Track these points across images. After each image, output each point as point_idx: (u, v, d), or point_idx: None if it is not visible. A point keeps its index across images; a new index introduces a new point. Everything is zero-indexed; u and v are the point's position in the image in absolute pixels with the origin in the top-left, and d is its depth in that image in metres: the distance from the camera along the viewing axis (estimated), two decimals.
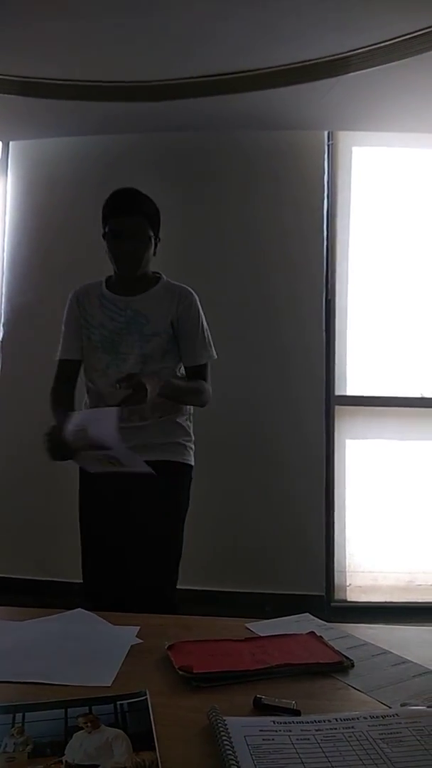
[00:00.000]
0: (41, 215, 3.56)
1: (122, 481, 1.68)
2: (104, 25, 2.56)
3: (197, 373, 1.85)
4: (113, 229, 1.77)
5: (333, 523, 3.30)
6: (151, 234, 1.79)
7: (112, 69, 2.93)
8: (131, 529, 1.77)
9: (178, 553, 1.82)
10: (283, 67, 2.86)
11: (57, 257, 3.55)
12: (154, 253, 1.84)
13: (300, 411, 3.26)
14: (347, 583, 3.30)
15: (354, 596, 3.29)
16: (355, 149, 3.46)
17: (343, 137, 3.45)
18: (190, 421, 1.90)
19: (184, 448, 1.85)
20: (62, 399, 1.86)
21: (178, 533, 1.81)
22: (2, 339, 3.58)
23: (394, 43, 2.64)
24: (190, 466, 1.86)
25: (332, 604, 3.24)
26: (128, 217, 1.74)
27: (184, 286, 1.87)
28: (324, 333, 3.36)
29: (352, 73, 2.82)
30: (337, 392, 3.36)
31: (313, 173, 3.43)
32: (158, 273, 1.90)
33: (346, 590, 3.30)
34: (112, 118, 3.29)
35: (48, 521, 3.40)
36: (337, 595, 3.27)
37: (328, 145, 3.43)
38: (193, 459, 1.88)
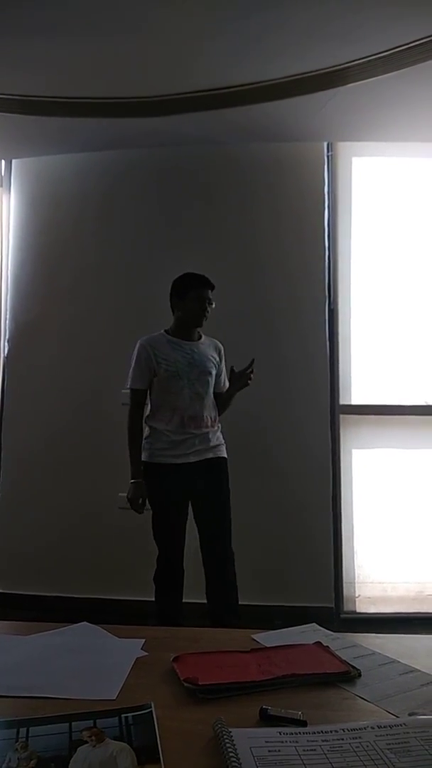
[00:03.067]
0: (45, 233, 3.60)
1: (188, 480, 2.48)
2: (103, 42, 2.59)
3: (219, 395, 2.62)
4: (203, 296, 2.52)
5: (340, 533, 3.28)
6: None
7: (112, 85, 2.97)
8: (207, 511, 2.53)
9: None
10: (281, 80, 2.88)
11: (61, 275, 3.58)
12: None
13: (305, 421, 3.26)
14: (356, 595, 3.27)
15: (363, 607, 3.26)
16: (354, 159, 3.49)
17: (343, 148, 3.48)
18: None
19: (225, 447, 2.60)
20: (138, 427, 2.54)
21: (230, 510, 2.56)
22: (7, 356, 3.60)
23: (391, 53, 2.67)
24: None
25: (342, 615, 3.21)
26: (211, 291, 2.54)
27: (216, 340, 2.67)
28: (328, 342, 3.37)
29: (350, 84, 2.85)
30: (342, 401, 3.35)
31: (313, 184, 3.46)
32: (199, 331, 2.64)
33: (355, 601, 3.27)
34: (113, 134, 3.33)
35: (52, 536, 3.40)
36: (347, 607, 3.24)
37: (328, 156, 3.46)
38: None
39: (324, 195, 3.44)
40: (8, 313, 3.61)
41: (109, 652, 1.08)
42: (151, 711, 0.82)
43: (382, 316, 3.40)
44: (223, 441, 2.59)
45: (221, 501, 2.54)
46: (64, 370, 3.51)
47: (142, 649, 1.08)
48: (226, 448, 2.60)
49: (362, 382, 3.39)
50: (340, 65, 2.77)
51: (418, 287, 3.40)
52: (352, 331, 3.40)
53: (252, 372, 2.53)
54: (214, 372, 2.56)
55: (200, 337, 2.63)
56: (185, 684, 0.91)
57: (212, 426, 2.54)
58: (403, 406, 3.32)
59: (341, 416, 3.34)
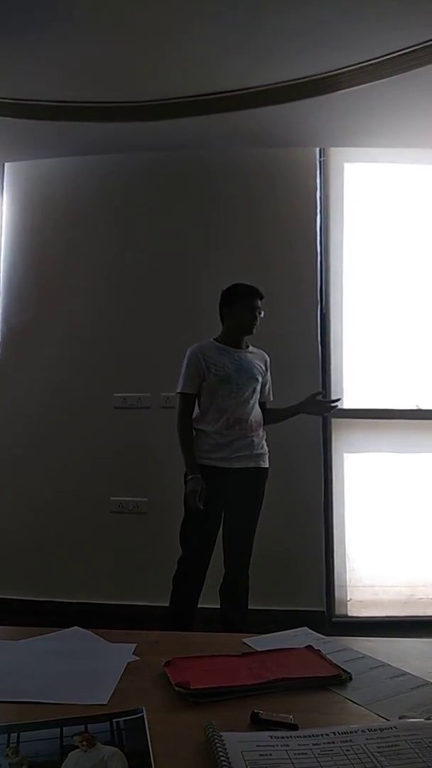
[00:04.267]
0: (37, 235, 3.60)
1: (228, 486, 2.55)
2: (97, 46, 2.60)
3: (263, 405, 2.71)
4: (253, 305, 2.61)
5: (332, 537, 3.28)
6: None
7: (106, 89, 2.97)
8: (243, 514, 2.61)
9: None
10: (274, 86, 2.90)
11: (53, 278, 3.58)
12: None
13: (297, 425, 3.25)
14: (348, 598, 3.28)
15: (355, 611, 3.26)
16: (346, 165, 3.51)
17: (335, 153, 3.50)
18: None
19: (268, 456, 2.68)
20: (189, 428, 2.61)
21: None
22: None
23: (383, 60, 2.69)
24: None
25: (333, 619, 3.21)
26: (260, 300, 2.63)
27: (264, 352, 2.76)
28: (320, 347, 3.38)
29: (342, 91, 2.87)
30: None
31: (305, 189, 3.48)
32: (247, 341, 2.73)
33: (346, 605, 3.27)
34: (106, 138, 3.33)
35: (43, 541, 3.38)
36: (338, 611, 3.25)
37: (320, 162, 3.48)
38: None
39: (316, 200, 3.46)
40: (0, 315, 3.60)
41: (101, 656, 1.08)
42: (142, 715, 0.82)
43: (374, 321, 3.42)
44: (267, 450, 2.66)
45: (254, 513, 2.63)
46: (57, 373, 3.50)
47: (133, 653, 1.07)
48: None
49: (354, 386, 3.40)
50: (332, 71, 2.79)
51: (410, 292, 3.42)
52: (344, 336, 3.42)
53: (333, 407, 2.68)
54: (260, 379, 2.65)
55: (248, 346, 2.72)
56: (176, 688, 0.91)
57: (256, 431, 2.62)
58: (395, 410, 3.33)
59: (333, 420, 3.35)
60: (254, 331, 2.65)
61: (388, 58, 2.68)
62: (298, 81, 2.88)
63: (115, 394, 3.41)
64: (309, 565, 3.25)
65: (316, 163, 3.48)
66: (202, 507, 2.47)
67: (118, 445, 3.34)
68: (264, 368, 2.71)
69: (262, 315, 2.65)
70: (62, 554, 3.36)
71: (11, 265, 3.62)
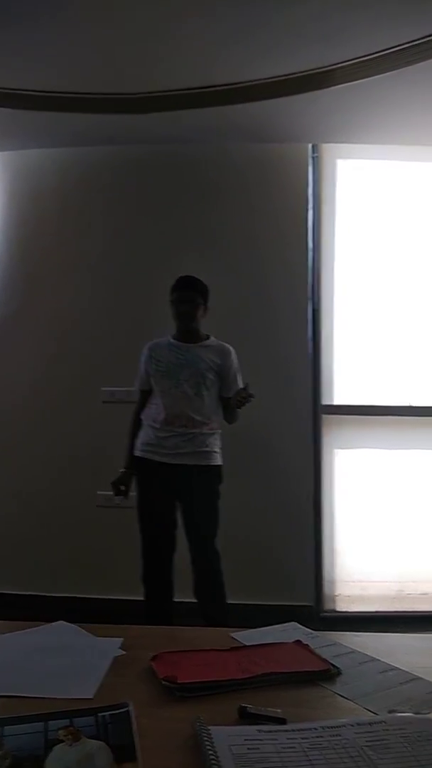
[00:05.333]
0: (25, 227, 3.56)
1: (172, 485, 2.55)
2: (89, 36, 2.57)
3: (229, 401, 2.60)
4: (178, 298, 2.62)
5: (322, 532, 3.29)
6: (200, 302, 2.62)
7: (98, 81, 2.94)
8: (189, 514, 2.58)
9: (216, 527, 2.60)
10: (267, 80, 2.88)
11: (41, 269, 3.55)
12: (203, 315, 2.67)
13: (288, 421, 3.26)
14: (336, 593, 3.29)
15: (343, 606, 3.27)
16: (339, 162, 3.50)
17: (328, 150, 3.49)
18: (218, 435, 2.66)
19: (217, 455, 2.62)
20: (134, 422, 2.69)
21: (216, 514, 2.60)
22: None
23: (377, 56, 2.68)
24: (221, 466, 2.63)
25: (322, 614, 3.22)
26: (186, 292, 2.61)
27: (225, 344, 2.69)
28: (311, 343, 3.38)
29: (336, 86, 2.86)
30: (325, 401, 3.37)
31: (298, 185, 3.47)
32: (208, 334, 2.71)
33: (335, 600, 3.28)
34: (98, 129, 3.30)
35: (29, 534, 3.36)
36: (327, 605, 3.26)
37: (313, 158, 3.47)
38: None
39: (308, 196, 3.45)
40: None
41: (87, 651, 1.07)
42: (128, 710, 0.81)
43: (366, 316, 3.42)
44: (214, 447, 2.59)
45: (200, 511, 2.57)
46: (44, 367, 3.47)
47: (120, 648, 1.06)
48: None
49: (345, 382, 3.40)
50: (326, 67, 2.77)
51: (402, 288, 3.43)
52: (336, 332, 3.42)
53: (246, 398, 2.43)
54: (210, 375, 2.59)
55: (206, 338, 2.69)
56: (164, 682, 0.91)
57: (199, 428, 2.54)
58: (386, 406, 3.34)
59: (324, 416, 3.35)
60: (189, 321, 2.61)
61: (383, 55, 2.67)
62: (292, 76, 2.86)
63: (103, 388, 3.39)
64: (298, 560, 3.26)
65: (308, 159, 3.47)
66: (125, 498, 2.62)
67: (105, 439, 3.31)
68: (219, 361, 2.62)
69: (199, 305, 2.60)
70: (48, 548, 3.34)
71: None
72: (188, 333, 2.66)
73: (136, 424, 2.67)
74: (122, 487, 2.63)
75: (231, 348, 2.70)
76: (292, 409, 3.31)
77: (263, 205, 3.47)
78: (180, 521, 2.61)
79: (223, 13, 2.42)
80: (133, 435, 2.66)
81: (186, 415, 2.53)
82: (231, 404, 2.57)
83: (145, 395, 2.69)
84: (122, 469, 2.65)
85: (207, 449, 2.57)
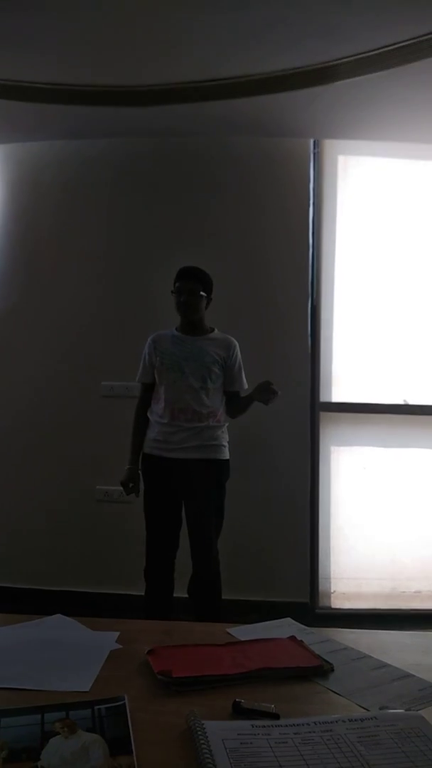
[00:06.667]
0: (25, 219, 3.55)
1: (175, 476, 2.51)
2: (90, 29, 2.55)
3: (234, 395, 2.64)
4: (179, 288, 2.57)
5: (318, 529, 3.30)
6: (202, 292, 2.57)
7: (98, 73, 2.93)
8: (194, 511, 2.55)
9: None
10: (269, 75, 2.87)
11: (40, 263, 3.54)
12: (207, 307, 2.64)
13: (285, 417, 3.27)
14: (332, 590, 3.31)
15: (338, 603, 3.29)
16: (340, 158, 3.49)
17: (329, 145, 3.48)
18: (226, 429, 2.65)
19: (225, 448, 2.60)
20: (138, 417, 2.66)
21: (221, 512, 2.60)
22: None
23: (379, 53, 2.67)
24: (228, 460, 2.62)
25: (317, 610, 3.24)
26: (187, 282, 2.56)
27: (230, 336, 2.67)
28: (309, 340, 3.38)
29: (338, 82, 2.84)
30: (322, 399, 3.37)
31: (299, 180, 3.46)
32: (213, 327, 2.69)
33: (330, 597, 3.30)
34: (97, 122, 3.29)
35: (28, 529, 3.37)
36: (322, 602, 3.28)
37: (314, 153, 3.46)
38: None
39: (309, 192, 3.45)
40: None
41: (83, 644, 1.08)
42: (124, 703, 0.83)
43: (365, 314, 3.42)
44: (221, 441, 2.57)
45: (206, 506, 2.54)
46: (44, 361, 3.47)
47: (116, 641, 1.08)
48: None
49: (343, 380, 3.41)
50: (329, 62, 2.76)
51: (401, 286, 3.43)
52: (335, 329, 3.42)
53: (274, 395, 2.46)
54: (215, 368, 2.55)
55: (211, 331, 2.66)
56: (159, 676, 0.92)
57: (205, 421, 2.51)
58: (383, 404, 3.35)
59: (321, 413, 3.36)
60: (190, 312, 2.57)
61: (385, 51, 2.66)
62: (294, 71, 2.85)
63: (103, 383, 3.39)
64: (294, 557, 3.27)
65: (310, 155, 3.46)
66: (136, 496, 2.58)
67: (105, 433, 3.33)
68: (225, 355, 2.59)
69: (199, 295, 2.55)
70: (47, 542, 3.35)
71: None
72: (192, 325, 2.61)
73: (140, 420, 2.64)
74: (131, 485, 2.58)
75: (235, 341, 2.67)
76: (289, 406, 3.31)
77: (264, 200, 3.47)
78: (184, 518, 2.58)
79: (226, 7, 2.41)
80: (137, 431, 2.63)
81: (191, 408, 2.49)
82: (239, 399, 2.60)
83: (147, 388, 2.65)
84: (128, 466, 2.60)
85: (215, 443, 2.54)
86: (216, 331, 2.68)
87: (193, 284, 2.56)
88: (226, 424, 2.63)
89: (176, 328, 2.66)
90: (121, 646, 1.05)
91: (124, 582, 3.09)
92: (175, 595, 2.61)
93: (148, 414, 2.62)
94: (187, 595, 2.59)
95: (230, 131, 3.39)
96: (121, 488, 2.61)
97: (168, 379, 2.54)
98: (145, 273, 3.43)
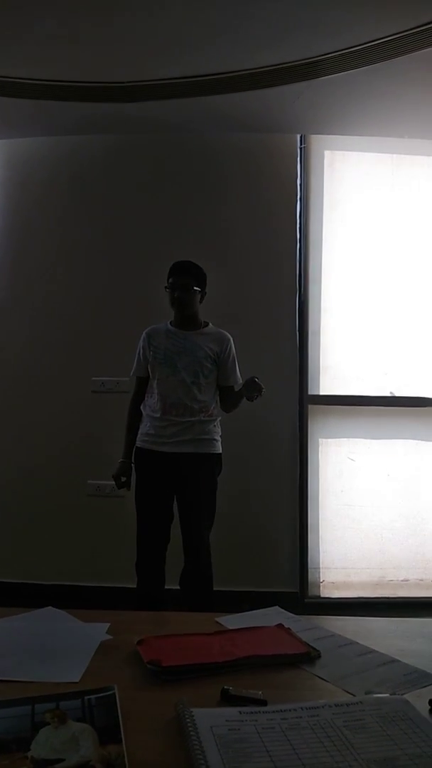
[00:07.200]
0: (17, 215, 3.53)
1: (171, 474, 2.51)
2: (79, 25, 2.54)
3: (228, 390, 2.64)
4: (173, 283, 2.56)
5: (306, 520, 3.33)
6: (196, 288, 2.57)
7: (85, 70, 2.91)
8: (186, 504, 2.56)
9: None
10: (255, 70, 2.87)
11: (28, 259, 3.52)
12: (201, 302, 2.63)
13: (274, 410, 3.29)
14: (321, 580, 3.34)
15: (327, 592, 3.33)
16: (327, 153, 3.50)
17: (316, 140, 3.48)
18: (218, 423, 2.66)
19: (217, 442, 2.61)
20: (132, 411, 2.65)
21: (213, 506, 2.61)
22: None
23: (364, 48, 2.68)
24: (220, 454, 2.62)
25: (306, 600, 3.27)
26: (181, 277, 2.56)
27: (224, 331, 2.67)
28: (297, 333, 3.40)
29: (324, 77, 2.85)
30: (310, 391, 3.39)
31: (285, 175, 3.46)
32: (207, 321, 2.69)
33: (319, 587, 3.34)
34: (85, 118, 3.27)
35: (19, 522, 3.37)
36: (311, 592, 3.31)
37: (301, 149, 3.46)
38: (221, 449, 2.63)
39: (296, 187, 3.45)
40: None
41: (74, 635, 1.09)
42: (114, 693, 0.83)
43: (351, 307, 3.44)
44: (214, 435, 2.58)
45: (198, 500, 2.55)
46: (34, 356, 3.46)
47: (107, 633, 1.08)
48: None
49: (330, 373, 3.43)
50: (314, 57, 2.77)
51: (388, 280, 3.45)
52: (322, 323, 3.44)
53: (258, 393, 2.43)
54: (208, 362, 2.55)
55: (205, 326, 2.66)
56: (149, 666, 0.93)
57: (197, 415, 2.51)
58: (370, 396, 3.38)
59: (309, 406, 3.38)
60: (185, 307, 2.56)
61: (370, 46, 2.67)
62: (280, 66, 2.85)
63: (93, 378, 3.39)
64: (283, 547, 3.30)
65: (296, 150, 3.46)
66: (128, 490, 2.58)
67: (95, 428, 3.33)
68: (218, 349, 2.59)
69: (193, 290, 2.55)
70: (39, 536, 3.35)
71: None
72: (186, 320, 2.61)
73: (133, 415, 2.64)
74: (123, 479, 2.59)
75: (229, 335, 2.67)
76: (278, 398, 3.33)
77: (251, 195, 3.47)
78: (177, 511, 2.59)
79: (211, 3, 2.40)
80: (130, 425, 2.63)
81: (183, 403, 2.50)
82: (232, 394, 2.59)
83: (141, 382, 2.65)
84: (121, 460, 2.61)
85: (207, 437, 2.54)
86: (210, 325, 2.68)
87: (186, 279, 2.56)
88: (219, 419, 2.63)
89: (170, 323, 2.66)
90: (111, 637, 1.06)
91: (116, 575, 3.10)
92: (166, 587, 2.62)
93: (142, 408, 2.63)
94: (178, 587, 2.60)
95: (216, 127, 3.39)
96: (113, 482, 2.62)
97: (161, 373, 2.55)
98: (135, 269, 3.43)
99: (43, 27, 2.54)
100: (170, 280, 2.58)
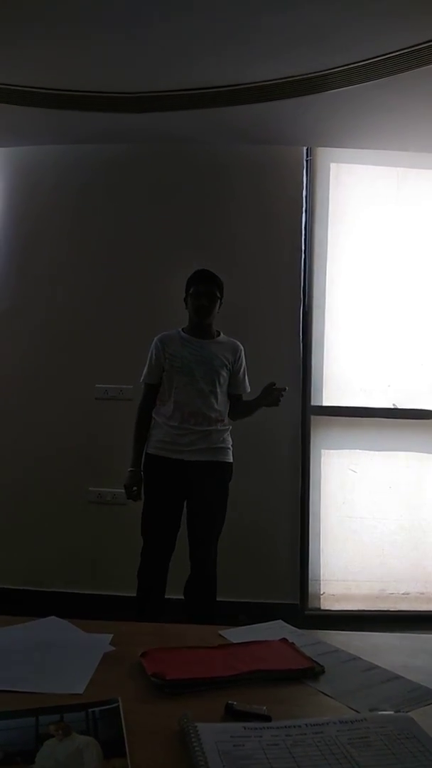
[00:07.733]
0: (22, 223, 3.55)
1: (182, 477, 2.47)
2: (87, 36, 2.57)
3: (237, 399, 2.66)
4: (198, 291, 2.57)
5: (307, 531, 3.32)
6: (219, 297, 2.61)
7: (95, 80, 2.94)
8: (197, 512, 2.54)
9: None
10: (262, 83, 2.90)
11: (35, 266, 3.54)
12: (218, 310, 2.64)
13: (277, 421, 3.28)
14: (321, 592, 3.32)
15: (327, 605, 3.31)
16: (333, 165, 3.52)
17: (322, 153, 3.51)
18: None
19: (230, 451, 2.59)
20: (143, 419, 2.59)
21: (223, 515, 2.60)
22: None
23: (372, 62, 2.70)
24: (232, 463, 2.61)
25: (306, 612, 3.26)
26: (207, 285, 2.58)
27: (236, 340, 2.69)
28: (301, 344, 3.40)
29: (331, 91, 2.88)
30: (313, 402, 3.40)
31: (291, 187, 3.48)
32: (219, 330, 2.69)
33: (320, 599, 3.32)
34: (93, 128, 3.29)
35: (21, 530, 3.36)
36: (311, 604, 3.29)
37: (307, 161, 3.49)
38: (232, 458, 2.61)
39: (302, 199, 3.47)
40: None
41: (77, 646, 1.08)
42: (117, 705, 0.83)
43: (355, 320, 3.45)
44: (228, 444, 2.57)
45: (211, 509, 2.53)
46: (38, 363, 3.47)
47: (110, 644, 1.08)
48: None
49: (333, 384, 3.43)
50: (321, 71, 2.79)
51: (392, 293, 3.46)
52: (326, 335, 3.44)
53: (281, 395, 2.51)
54: (224, 371, 2.56)
55: (218, 335, 2.66)
56: (152, 679, 0.93)
57: (214, 425, 2.51)
58: (372, 408, 3.37)
59: (312, 417, 3.38)
60: (207, 316, 2.56)
61: (377, 61, 2.69)
62: (287, 79, 2.87)
63: (97, 385, 3.39)
64: (284, 558, 3.29)
65: (302, 162, 3.49)
66: (139, 499, 2.53)
67: (98, 436, 3.33)
68: (232, 358, 2.61)
69: (217, 299, 2.58)
70: (40, 544, 3.34)
71: None
72: (202, 328, 2.60)
73: (143, 422, 2.59)
74: (134, 489, 2.54)
75: (241, 345, 2.68)
76: (281, 409, 3.31)
77: (257, 206, 3.49)
78: (185, 519, 2.56)
79: (219, 16, 2.43)
80: (140, 433, 2.58)
81: (201, 412, 2.48)
82: (242, 403, 2.63)
83: (152, 389, 2.60)
84: (130, 469, 2.56)
85: (222, 446, 2.53)
86: (222, 334, 2.69)
87: (212, 288, 2.57)
88: (230, 428, 2.62)
89: (183, 330, 2.64)
90: (114, 648, 1.06)
91: (116, 583, 3.09)
92: (166, 596, 2.61)
93: (153, 414, 2.58)
94: (179, 596, 2.58)
95: (223, 139, 3.42)
96: (123, 491, 2.56)
97: (178, 382, 2.52)
98: (141, 277, 3.44)
99: (54, 37, 2.57)
100: (194, 287, 2.57)
